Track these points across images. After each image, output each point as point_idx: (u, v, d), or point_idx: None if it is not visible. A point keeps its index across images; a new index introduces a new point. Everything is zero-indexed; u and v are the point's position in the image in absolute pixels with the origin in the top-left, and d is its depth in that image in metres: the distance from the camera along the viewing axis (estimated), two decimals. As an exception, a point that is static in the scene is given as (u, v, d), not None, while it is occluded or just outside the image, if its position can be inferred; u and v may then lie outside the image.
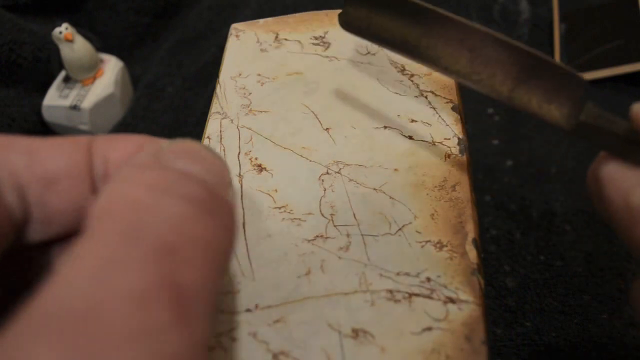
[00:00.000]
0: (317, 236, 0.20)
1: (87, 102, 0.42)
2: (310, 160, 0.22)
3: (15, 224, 0.13)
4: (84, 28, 0.46)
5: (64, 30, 0.40)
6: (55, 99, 0.42)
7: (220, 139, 0.23)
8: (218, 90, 0.25)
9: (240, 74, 0.25)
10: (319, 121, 0.23)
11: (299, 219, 0.20)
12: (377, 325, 0.17)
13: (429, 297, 0.18)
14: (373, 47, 0.26)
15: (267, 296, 0.18)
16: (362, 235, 0.20)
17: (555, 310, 0.31)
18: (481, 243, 0.20)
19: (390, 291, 0.18)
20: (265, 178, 0.22)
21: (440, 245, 0.19)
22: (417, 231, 0.20)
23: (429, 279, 0.18)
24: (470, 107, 0.38)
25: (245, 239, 0.20)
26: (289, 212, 0.20)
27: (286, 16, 0.28)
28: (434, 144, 0.22)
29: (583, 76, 0.16)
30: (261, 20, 0.28)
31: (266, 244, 0.20)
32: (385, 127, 0.23)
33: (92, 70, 0.43)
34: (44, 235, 0.14)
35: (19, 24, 0.43)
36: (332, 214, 0.20)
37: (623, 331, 0.30)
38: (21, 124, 0.41)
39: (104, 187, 0.12)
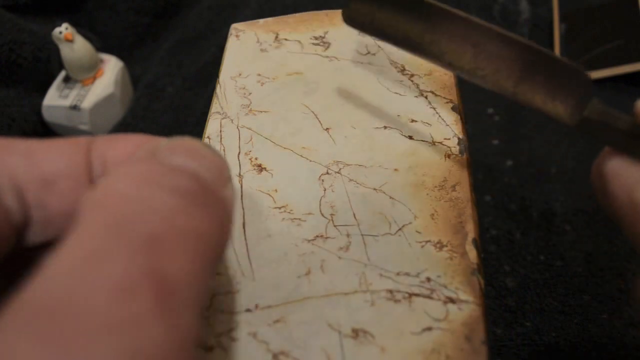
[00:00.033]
0: (317, 236, 0.20)
1: (87, 102, 0.42)
2: (310, 160, 0.22)
3: (15, 228, 0.13)
4: (84, 28, 0.46)
5: (64, 30, 0.40)
6: (55, 99, 0.42)
7: (220, 139, 0.23)
8: (218, 90, 0.25)
9: (240, 74, 0.25)
10: (319, 121, 0.23)
11: (299, 219, 0.20)
12: (377, 325, 0.17)
13: (429, 297, 0.18)
14: (373, 47, 0.26)
15: (267, 296, 0.18)
16: (362, 235, 0.20)
17: (555, 310, 0.31)
18: (481, 243, 0.20)
19: (390, 291, 0.18)
20: (265, 178, 0.22)
21: (440, 245, 0.19)
22: (417, 231, 0.20)
23: (429, 279, 0.18)
24: (470, 107, 0.38)
25: (245, 239, 0.20)
26: (289, 212, 0.20)
27: (286, 16, 0.28)
28: (434, 144, 0.22)
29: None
30: (261, 20, 0.28)
31: (266, 244, 0.20)
32: (385, 127, 0.23)
33: (92, 70, 0.43)
34: (44, 237, 0.14)
35: (19, 24, 0.43)
36: (332, 214, 0.20)
37: (623, 331, 0.30)
38: (21, 124, 0.41)
39: (96, 183, 0.12)
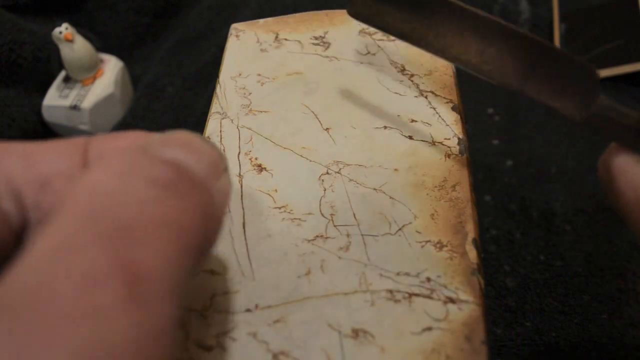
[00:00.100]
0: (317, 236, 0.20)
1: (87, 102, 0.42)
2: (310, 160, 0.22)
3: (13, 231, 0.13)
4: (84, 28, 0.46)
5: (64, 30, 0.40)
6: (55, 99, 0.42)
7: (220, 139, 0.23)
8: (218, 90, 0.25)
9: (240, 74, 0.25)
10: (319, 121, 0.23)
11: (299, 219, 0.20)
12: (377, 325, 0.17)
13: (429, 297, 0.18)
14: (373, 47, 0.26)
15: (267, 296, 0.18)
16: (362, 235, 0.20)
17: (555, 310, 0.31)
18: (481, 243, 0.20)
19: (390, 291, 0.18)
20: (265, 178, 0.22)
21: (440, 245, 0.19)
22: (417, 231, 0.20)
23: (429, 279, 0.18)
24: (470, 107, 0.39)
25: (245, 239, 0.20)
26: (289, 212, 0.20)
27: (286, 16, 0.28)
28: (434, 144, 0.22)
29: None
30: (261, 20, 0.28)
31: (266, 244, 0.20)
32: (385, 127, 0.23)
33: (92, 70, 0.43)
34: None
35: (19, 24, 0.43)
36: (332, 214, 0.20)
37: (623, 331, 0.30)
38: (21, 124, 0.41)
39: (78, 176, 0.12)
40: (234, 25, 0.28)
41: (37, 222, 0.14)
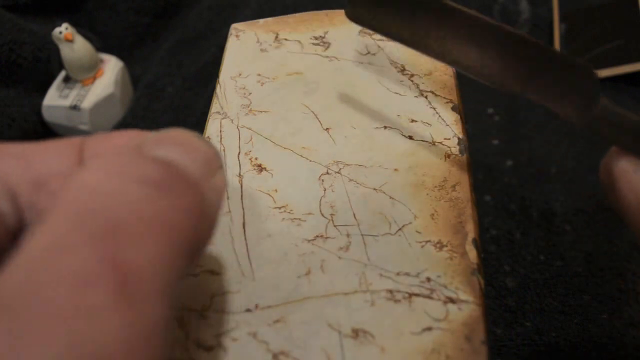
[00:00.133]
0: (317, 236, 0.20)
1: (87, 102, 0.42)
2: (310, 160, 0.22)
3: (9, 232, 0.13)
4: (84, 28, 0.46)
5: (64, 30, 0.40)
6: (55, 99, 0.42)
7: (220, 139, 0.23)
8: (218, 90, 0.25)
9: (240, 74, 0.25)
10: (319, 121, 0.23)
11: (299, 219, 0.20)
12: (377, 325, 0.17)
13: (429, 297, 0.18)
14: (373, 47, 0.26)
15: (267, 296, 0.18)
16: (362, 235, 0.20)
17: (555, 310, 0.31)
18: (481, 243, 0.20)
19: (390, 291, 0.18)
20: (265, 178, 0.22)
21: (440, 245, 0.19)
22: (417, 231, 0.20)
23: (429, 279, 0.18)
24: (470, 107, 0.38)
25: (245, 239, 0.20)
26: (289, 212, 0.20)
27: (286, 16, 0.28)
28: (434, 144, 0.22)
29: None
30: (261, 20, 0.28)
31: (266, 244, 0.20)
32: (385, 127, 0.23)
33: (92, 70, 0.43)
34: None
35: (19, 24, 0.43)
36: (332, 214, 0.20)
37: (623, 331, 0.30)
38: (21, 124, 0.41)
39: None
40: (234, 25, 0.28)
41: (33, 222, 0.14)
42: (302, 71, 0.25)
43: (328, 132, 0.23)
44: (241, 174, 0.22)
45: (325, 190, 0.21)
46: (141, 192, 0.12)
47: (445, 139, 0.22)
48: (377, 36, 0.26)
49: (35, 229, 0.11)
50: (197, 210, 0.13)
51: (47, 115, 0.43)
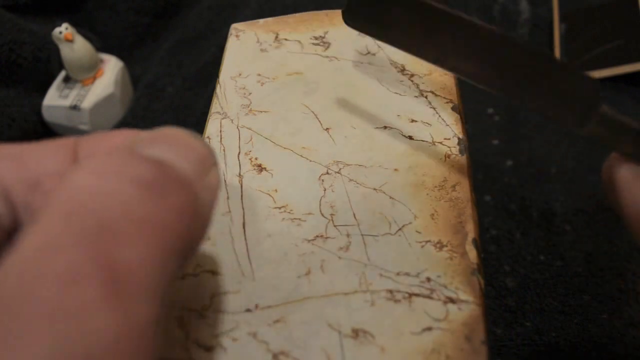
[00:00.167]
0: (317, 236, 0.20)
1: (87, 102, 0.42)
2: (310, 160, 0.22)
3: (5, 232, 0.13)
4: (84, 28, 0.46)
5: (64, 30, 0.40)
6: (55, 99, 0.42)
7: (220, 139, 0.23)
8: (218, 90, 0.25)
9: (240, 74, 0.25)
10: (319, 121, 0.23)
11: (299, 219, 0.20)
12: (377, 325, 0.17)
13: (429, 297, 0.18)
14: (373, 47, 0.26)
15: (267, 296, 0.18)
16: (362, 235, 0.20)
17: (555, 310, 0.31)
18: (481, 243, 0.20)
19: (390, 291, 0.18)
20: (265, 178, 0.22)
21: (440, 245, 0.19)
22: (417, 231, 0.20)
23: (429, 279, 0.18)
24: (470, 107, 0.38)
25: (245, 239, 0.20)
26: (289, 212, 0.20)
27: (286, 16, 0.28)
28: (434, 144, 0.22)
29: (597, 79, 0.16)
30: (261, 20, 0.28)
31: (266, 244, 0.20)
32: (385, 127, 0.23)
33: (92, 70, 0.43)
34: None
35: (19, 24, 0.43)
36: (332, 214, 0.20)
37: (623, 331, 0.30)
38: (21, 124, 0.41)
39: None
40: (234, 25, 0.28)
41: (28, 222, 0.14)
42: (302, 71, 0.25)
43: (328, 132, 0.23)
44: (241, 174, 0.22)
45: (325, 190, 0.21)
46: (133, 192, 0.12)
47: (445, 139, 0.22)
48: (377, 36, 0.27)
49: (28, 229, 0.11)
50: (189, 209, 0.13)
51: (47, 115, 0.43)
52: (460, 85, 0.24)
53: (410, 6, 0.17)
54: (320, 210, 0.20)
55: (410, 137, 0.22)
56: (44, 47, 0.43)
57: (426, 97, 0.24)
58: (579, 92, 0.16)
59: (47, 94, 0.43)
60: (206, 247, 0.20)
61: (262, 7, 0.51)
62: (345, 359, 0.17)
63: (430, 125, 0.23)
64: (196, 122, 0.44)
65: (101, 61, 0.44)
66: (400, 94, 0.24)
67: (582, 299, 0.31)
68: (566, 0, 0.48)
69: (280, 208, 0.21)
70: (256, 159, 0.22)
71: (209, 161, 0.14)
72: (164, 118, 0.44)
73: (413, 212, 0.20)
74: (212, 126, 0.24)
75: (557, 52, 0.45)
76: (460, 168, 0.21)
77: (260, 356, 0.17)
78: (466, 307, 0.18)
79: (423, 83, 0.24)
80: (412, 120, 0.23)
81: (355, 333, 0.17)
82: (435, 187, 0.21)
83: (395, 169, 0.21)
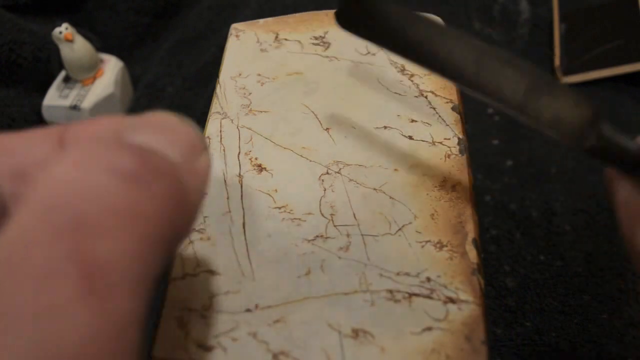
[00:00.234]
0: (317, 236, 0.20)
1: (87, 102, 0.42)
2: (310, 160, 0.22)
3: None
4: (84, 28, 0.46)
5: (64, 30, 0.40)
6: (55, 99, 0.42)
7: (220, 139, 0.23)
8: (218, 90, 0.25)
9: (240, 74, 0.25)
10: (319, 121, 0.23)
11: (299, 219, 0.20)
12: (377, 325, 0.17)
13: (429, 297, 0.18)
14: (373, 47, 0.26)
15: (267, 296, 0.18)
16: (362, 235, 0.20)
17: (555, 310, 0.31)
18: (481, 243, 0.20)
19: (390, 291, 0.18)
20: (265, 178, 0.22)
21: (440, 245, 0.19)
22: (417, 231, 0.20)
23: (429, 279, 0.18)
24: (470, 107, 0.38)
25: (245, 239, 0.20)
26: (289, 212, 0.20)
27: (286, 16, 0.28)
28: (434, 144, 0.22)
29: (591, 99, 0.16)
30: (261, 20, 0.28)
31: (266, 244, 0.20)
32: (385, 127, 0.23)
33: (92, 70, 0.43)
34: None
35: (19, 24, 0.43)
36: (332, 214, 0.20)
37: (623, 331, 0.30)
38: (21, 124, 0.41)
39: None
40: (234, 25, 0.28)
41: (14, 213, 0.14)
42: (302, 71, 0.25)
43: (328, 132, 0.23)
44: (241, 174, 0.22)
45: (325, 190, 0.21)
46: (112, 183, 0.11)
47: (445, 139, 0.22)
48: (377, 36, 0.27)
49: (6, 223, 0.10)
50: (175, 198, 0.12)
51: (47, 115, 0.43)
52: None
53: (401, 17, 0.17)
54: (320, 210, 0.20)
55: (410, 137, 0.22)
56: (44, 47, 0.43)
57: (426, 97, 0.24)
58: (577, 114, 0.16)
59: (47, 94, 0.43)
60: (206, 247, 0.20)
61: (262, 7, 0.51)
62: (345, 359, 0.17)
63: (430, 125, 0.23)
64: (196, 122, 0.43)
65: (101, 61, 0.44)
66: (400, 94, 0.24)
67: (582, 299, 0.31)
68: (566, 0, 0.48)
69: (280, 208, 0.21)
70: (256, 159, 0.22)
71: (198, 146, 0.13)
72: (164, 118, 0.44)
73: (413, 212, 0.20)
74: (212, 126, 0.24)
75: (557, 52, 0.45)
76: (460, 168, 0.21)
77: (260, 356, 0.17)
78: (466, 307, 0.18)
79: (423, 83, 0.24)
80: (412, 120, 0.23)
81: (355, 333, 0.17)
82: (435, 187, 0.21)
83: (395, 169, 0.21)
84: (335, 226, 0.20)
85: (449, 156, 0.22)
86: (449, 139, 0.22)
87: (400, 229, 0.20)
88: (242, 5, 0.52)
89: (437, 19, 0.27)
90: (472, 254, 0.19)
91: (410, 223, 0.20)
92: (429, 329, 0.17)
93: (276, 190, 0.21)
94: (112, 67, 0.44)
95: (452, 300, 0.18)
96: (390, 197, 0.21)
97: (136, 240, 0.11)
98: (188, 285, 0.19)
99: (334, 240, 0.20)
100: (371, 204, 0.20)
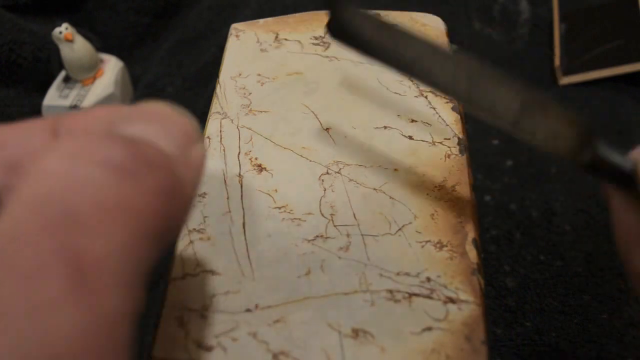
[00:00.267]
0: (317, 236, 0.20)
1: (87, 102, 0.42)
2: (310, 160, 0.22)
3: None
4: (84, 28, 0.46)
5: (64, 30, 0.40)
6: (55, 99, 0.42)
7: (220, 139, 0.23)
8: (218, 90, 0.25)
9: (240, 74, 0.25)
10: (319, 121, 0.23)
11: (299, 219, 0.20)
12: (377, 325, 0.17)
13: (429, 297, 0.18)
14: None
15: (267, 296, 0.18)
16: (362, 235, 0.20)
17: (555, 310, 0.31)
18: (481, 243, 0.20)
19: (390, 291, 0.18)
20: (265, 178, 0.22)
21: (440, 245, 0.19)
22: (417, 231, 0.20)
23: (429, 279, 0.18)
24: (470, 107, 0.38)
25: (245, 239, 0.20)
26: (289, 212, 0.20)
27: (286, 16, 0.28)
28: (434, 144, 0.22)
29: (586, 118, 0.16)
30: (261, 20, 0.28)
31: (266, 244, 0.20)
32: (385, 127, 0.23)
33: (92, 70, 0.43)
34: None
35: (19, 24, 0.43)
36: (332, 214, 0.20)
37: (623, 331, 0.30)
38: (21, 124, 0.41)
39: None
40: (234, 25, 0.28)
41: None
42: (302, 71, 0.25)
43: (328, 132, 0.23)
44: (241, 174, 0.22)
45: (325, 190, 0.21)
46: (103, 176, 0.11)
47: (445, 139, 0.22)
48: (377, 36, 0.27)
49: None
50: (168, 191, 0.12)
51: (47, 115, 0.43)
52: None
53: (393, 33, 0.17)
54: (320, 210, 0.20)
55: (410, 137, 0.22)
56: (44, 47, 0.43)
57: (426, 97, 0.24)
58: (571, 131, 0.16)
59: (47, 94, 0.43)
60: (206, 247, 0.20)
61: (262, 7, 0.51)
62: (345, 359, 0.17)
63: (430, 125, 0.23)
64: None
65: (101, 61, 0.44)
66: (400, 94, 0.24)
67: (582, 299, 0.31)
68: (566, 0, 0.48)
69: (280, 208, 0.21)
70: (256, 159, 0.22)
71: (192, 136, 0.13)
72: (164, 118, 0.44)
73: (413, 212, 0.20)
74: (212, 126, 0.24)
75: (557, 52, 0.45)
76: (460, 168, 0.21)
77: (260, 356, 0.17)
78: (466, 307, 0.18)
79: (423, 83, 0.24)
80: (412, 120, 0.23)
81: (355, 333, 0.17)
82: (435, 187, 0.21)
83: (395, 169, 0.21)
84: (335, 226, 0.20)
85: (449, 156, 0.22)
86: (449, 139, 0.22)
87: (400, 229, 0.20)
88: (242, 5, 0.52)
89: (438, 18, 0.27)
90: (472, 254, 0.19)
91: (410, 223, 0.20)
92: (429, 329, 0.17)
93: (276, 190, 0.21)
94: (112, 67, 0.44)
95: (452, 300, 0.18)
96: (390, 197, 0.21)
97: (127, 235, 0.11)
98: (188, 285, 0.19)
99: (334, 240, 0.20)
100: (371, 204, 0.20)
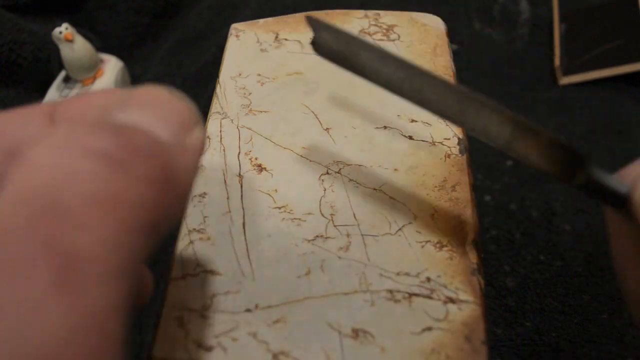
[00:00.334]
0: (317, 236, 0.20)
1: (87, 102, 0.42)
2: (310, 160, 0.22)
3: None
4: (84, 28, 0.46)
5: (64, 30, 0.40)
6: (56, 99, 0.42)
7: (220, 139, 0.23)
8: (218, 90, 0.25)
9: (240, 74, 0.25)
10: (319, 121, 0.23)
11: (299, 219, 0.20)
12: (377, 325, 0.17)
13: (429, 297, 0.18)
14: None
15: (267, 296, 0.18)
16: (362, 235, 0.20)
17: (555, 310, 0.31)
18: (481, 243, 0.20)
19: (390, 291, 0.18)
20: (265, 178, 0.22)
21: (440, 245, 0.19)
22: (417, 231, 0.20)
23: (429, 279, 0.18)
24: (470, 107, 0.38)
25: (245, 239, 0.20)
26: (289, 212, 0.20)
27: (286, 16, 0.28)
28: (434, 144, 0.22)
29: (577, 146, 0.16)
30: (261, 20, 0.28)
31: (266, 244, 0.20)
32: (385, 127, 0.23)
33: (92, 70, 0.43)
34: None
35: (19, 24, 0.43)
36: (332, 214, 0.20)
37: (623, 331, 0.30)
38: (21, 124, 0.41)
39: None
40: (234, 25, 0.28)
41: None
42: (302, 71, 0.25)
43: (328, 132, 0.23)
44: (241, 174, 0.22)
45: (325, 190, 0.21)
46: (92, 168, 0.10)
47: (445, 139, 0.22)
48: (377, 36, 0.27)
49: None
50: (161, 181, 0.11)
51: (47, 115, 0.43)
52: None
53: (378, 55, 0.17)
54: (320, 210, 0.20)
55: (410, 137, 0.22)
56: (44, 47, 0.43)
57: (426, 97, 0.24)
58: (564, 157, 0.16)
59: (47, 94, 0.43)
60: (206, 247, 0.20)
61: (262, 7, 0.51)
62: (345, 359, 0.17)
63: (430, 125, 0.23)
64: (196, 122, 0.43)
65: (101, 61, 0.44)
66: (400, 94, 0.24)
67: (582, 299, 0.31)
68: (566, 0, 0.48)
69: (280, 208, 0.21)
70: (256, 159, 0.22)
71: (190, 121, 0.13)
72: (164, 118, 0.44)
73: (413, 212, 0.20)
74: (212, 126, 0.24)
75: (557, 52, 0.45)
76: (460, 168, 0.21)
77: (260, 356, 0.17)
78: (466, 307, 0.18)
79: (423, 83, 0.24)
80: (412, 120, 0.23)
81: (355, 333, 0.17)
82: (435, 187, 0.21)
83: (395, 169, 0.21)
84: (335, 226, 0.20)
85: (449, 156, 0.22)
86: (449, 139, 0.22)
87: (400, 229, 0.20)
88: (242, 5, 0.52)
89: (438, 19, 0.27)
90: (472, 254, 0.19)
91: (410, 223, 0.20)
92: (429, 329, 0.17)
93: (276, 190, 0.21)
94: (112, 67, 0.44)
95: (452, 300, 0.18)
96: (390, 197, 0.21)
97: (117, 228, 0.10)
98: (188, 285, 0.19)
99: (334, 240, 0.20)
100: (371, 204, 0.20)
